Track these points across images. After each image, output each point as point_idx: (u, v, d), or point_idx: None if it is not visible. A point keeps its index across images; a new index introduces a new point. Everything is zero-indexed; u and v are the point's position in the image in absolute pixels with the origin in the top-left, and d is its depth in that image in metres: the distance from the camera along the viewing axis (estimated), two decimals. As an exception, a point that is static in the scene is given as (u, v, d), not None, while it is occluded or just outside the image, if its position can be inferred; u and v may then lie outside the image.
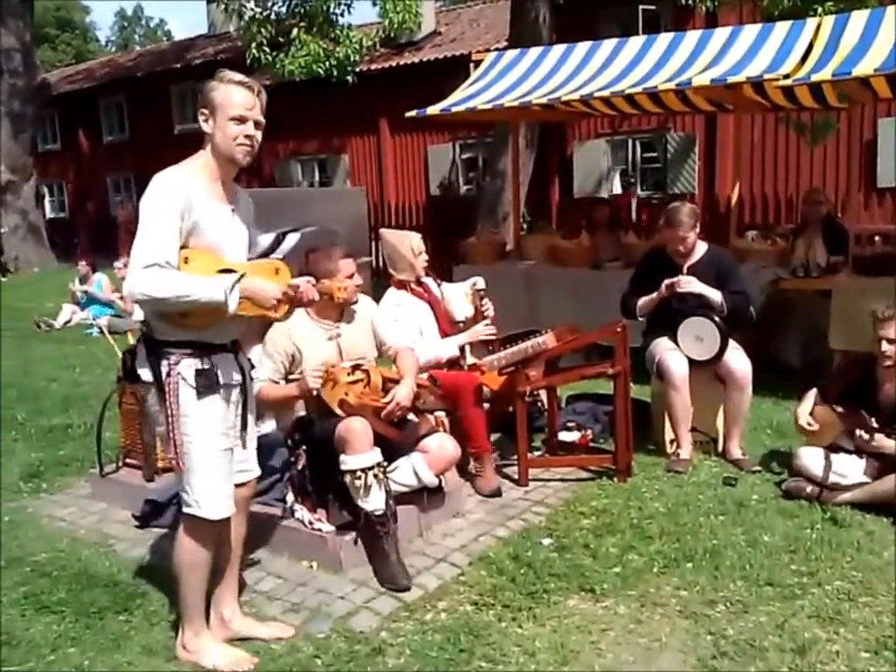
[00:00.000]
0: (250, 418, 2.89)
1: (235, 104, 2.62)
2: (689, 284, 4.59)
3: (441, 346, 4.54)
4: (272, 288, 2.67)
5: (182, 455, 2.64)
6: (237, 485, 2.82)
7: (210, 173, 2.68)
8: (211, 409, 2.68)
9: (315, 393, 3.48)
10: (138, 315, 10.04)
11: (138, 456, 4.29)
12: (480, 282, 4.82)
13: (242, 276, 2.58)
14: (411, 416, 3.87)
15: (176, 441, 2.63)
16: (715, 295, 4.60)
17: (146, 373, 2.65)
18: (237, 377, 2.77)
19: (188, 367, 2.62)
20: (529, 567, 3.42)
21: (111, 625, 3.08)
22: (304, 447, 3.59)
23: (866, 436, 3.85)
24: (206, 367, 2.65)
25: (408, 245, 4.58)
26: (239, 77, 2.67)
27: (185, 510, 2.74)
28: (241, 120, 2.63)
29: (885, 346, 3.92)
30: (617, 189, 15.49)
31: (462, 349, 4.62)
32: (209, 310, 2.56)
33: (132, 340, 4.56)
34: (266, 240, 4.35)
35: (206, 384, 2.65)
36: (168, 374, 2.60)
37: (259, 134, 2.68)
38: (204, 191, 2.64)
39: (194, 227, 2.58)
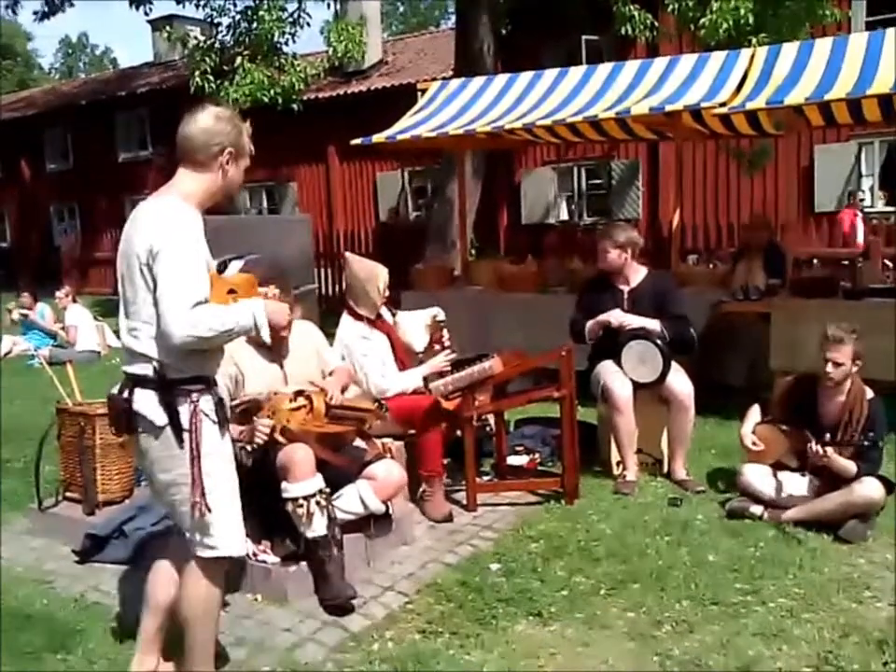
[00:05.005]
0: None
1: (250, 152, 2.67)
2: (630, 325, 4.68)
3: (408, 378, 4.50)
4: (282, 308, 2.79)
5: (206, 497, 2.50)
6: None
7: (201, 205, 2.61)
8: (227, 442, 2.64)
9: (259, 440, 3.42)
10: (82, 345, 9.70)
11: (78, 490, 4.18)
12: (440, 313, 4.80)
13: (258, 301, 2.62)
14: (358, 442, 3.86)
15: (203, 482, 2.49)
16: (654, 326, 4.68)
17: (159, 417, 2.50)
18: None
19: (206, 402, 2.54)
20: (477, 593, 3.41)
21: (48, 666, 2.99)
22: (247, 477, 3.52)
23: (819, 450, 3.89)
24: (219, 398, 2.60)
25: (375, 283, 4.47)
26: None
27: (202, 553, 2.58)
28: None
29: (830, 368, 3.99)
30: (564, 216, 15.71)
31: (424, 379, 4.60)
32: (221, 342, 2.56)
33: (71, 371, 4.49)
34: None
35: (224, 416, 2.60)
36: (193, 412, 2.50)
37: None
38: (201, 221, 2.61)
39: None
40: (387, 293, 4.59)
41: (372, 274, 4.52)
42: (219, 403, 2.59)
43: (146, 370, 2.50)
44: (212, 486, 2.52)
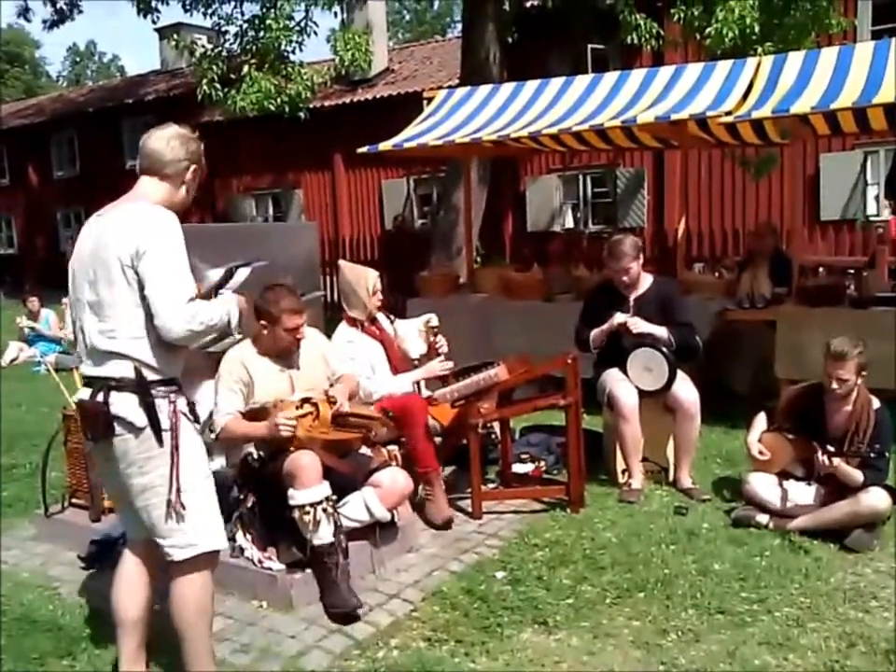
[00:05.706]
0: None
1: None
2: (636, 325, 4.66)
3: (395, 383, 4.52)
4: (241, 299, 2.86)
5: (181, 496, 2.53)
6: None
7: None
8: (201, 442, 2.70)
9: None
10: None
11: (84, 496, 4.20)
12: (433, 319, 4.82)
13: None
14: (363, 450, 3.86)
15: (180, 481, 2.53)
16: (662, 332, 4.67)
17: (139, 419, 2.50)
18: None
19: (182, 402, 2.61)
20: (483, 601, 3.40)
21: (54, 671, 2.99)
22: (253, 484, 3.54)
23: (826, 460, 3.88)
24: (190, 399, 2.68)
25: (364, 284, 4.54)
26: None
27: (179, 556, 2.58)
28: None
29: (835, 385, 3.98)
30: (569, 224, 15.71)
31: (417, 384, 4.62)
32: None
33: (78, 377, 4.50)
34: (216, 274, 4.32)
35: (197, 416, 2.68)
36: (174, 412, 2.55)
37: None
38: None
39: None
40: (380, 297, 4.62)
41: (361, 277, 4.57)
42: (191, 404, 2.67)
43: (122, 371, 2.52)
44: (191, 484, 2.57)
